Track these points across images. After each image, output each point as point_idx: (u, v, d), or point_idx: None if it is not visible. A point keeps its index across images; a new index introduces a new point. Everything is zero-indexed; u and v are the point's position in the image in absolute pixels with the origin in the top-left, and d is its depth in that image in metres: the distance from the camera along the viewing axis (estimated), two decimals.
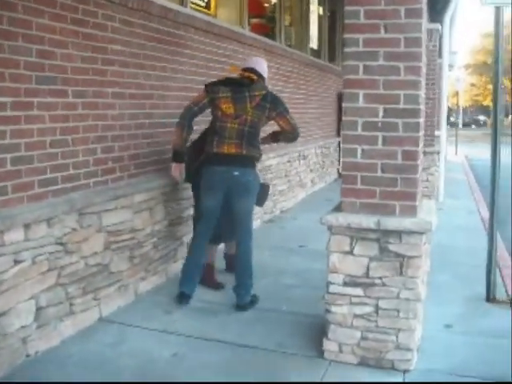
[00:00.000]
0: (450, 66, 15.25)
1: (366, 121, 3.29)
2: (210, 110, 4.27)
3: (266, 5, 8.89)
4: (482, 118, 60.05)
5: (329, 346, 3.41)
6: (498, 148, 4.44)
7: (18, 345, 3.26)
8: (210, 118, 4.31)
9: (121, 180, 4.30)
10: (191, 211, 5.05)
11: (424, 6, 3.21)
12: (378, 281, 3.27)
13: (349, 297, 3.33)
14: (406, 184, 3.25)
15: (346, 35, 3.29)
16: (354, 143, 3.33)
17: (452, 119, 30.41)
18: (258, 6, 8.35)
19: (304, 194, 9.19)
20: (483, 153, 19.02)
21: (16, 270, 3.23)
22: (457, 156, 18.67)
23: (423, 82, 3.28)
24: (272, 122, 4.33)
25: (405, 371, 3.28)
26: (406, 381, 3.21)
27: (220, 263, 4.96)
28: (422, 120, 3.27)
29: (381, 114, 3.26)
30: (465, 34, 65.55)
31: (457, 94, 24.74)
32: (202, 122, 4.55)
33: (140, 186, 4.42)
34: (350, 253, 3.30)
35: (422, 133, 3.30)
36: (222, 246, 5.01)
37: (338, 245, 3.32)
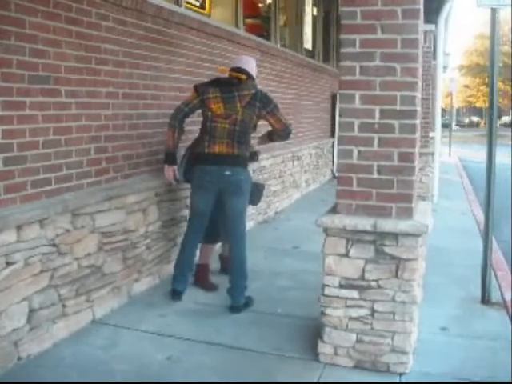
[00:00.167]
0: (444, 68, 15.27)
1: (363, 122, 3.27)
2: (200, 110, 4.29)
3: (261, 5, 8.88)
4: (475, 118, 60.41)
5: (324, 348, 3.39)
6: (493, 151, 4.43)
7: (9, 348, 3.22)
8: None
9: (114, 180, 4.27)
10: (185, 212, 5.02)
11: (421, 6, 3.19)
12: (373, 283, 3.25)
13: (344, 299, 3.30)
14: (402, 186, 3.22)
15: (343, 36, 3.27)
16: (350, 144, 3.30)
17: (446, 121, 30.48)
18: (252, 6, 8.33)
19: (298, 194, 9.17)
20: (476, 154, 19.19)
21: (8, 271, 3.19)
22: (450, 157, 18.70)
23: (420, 83, 3.26)
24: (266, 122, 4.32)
25: (400, 374, 3.26)
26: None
27: (215, 264, 4.94)
28: (418, 121, 3.25)
29: (377, 115, 3.24)
30: (457, 35, 65.79)
31: (450, 95, 24.76)
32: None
33: (134, 187, 4.38)
34: (346, 255, 3.28)
35: (418, 134, 3.28)
36: (218, 246, 4.98)
37: (334, 247, 3.29)
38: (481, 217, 7.54)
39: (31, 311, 3.38)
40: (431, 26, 9.17)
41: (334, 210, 3.39)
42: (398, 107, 3.20)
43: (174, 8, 5.06)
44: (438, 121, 9.40)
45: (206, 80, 4.59)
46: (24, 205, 3.38)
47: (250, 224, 6.53)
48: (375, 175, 3.26)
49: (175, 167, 4.40)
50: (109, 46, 4.12)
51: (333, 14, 11.73)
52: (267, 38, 8.00)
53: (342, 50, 3.28)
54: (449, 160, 17.40)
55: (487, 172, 4.46)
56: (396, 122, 3.21)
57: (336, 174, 3.46)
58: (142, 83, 4.57)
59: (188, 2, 5.59)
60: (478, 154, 18.05)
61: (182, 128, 4.30)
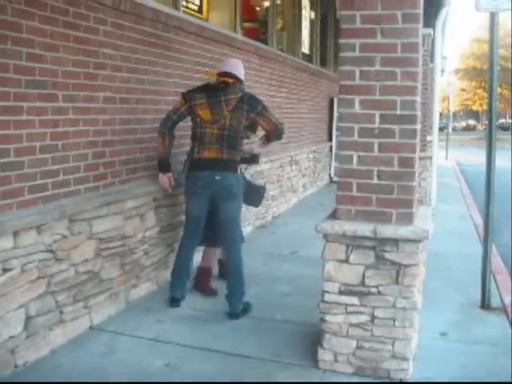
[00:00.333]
0: (442, 71, 15.28)
1: (363, 127, 3.24)
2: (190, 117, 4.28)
3: (258, 9, 8.87)
4: (471, 122, 60.56)
5: (324, 355, 3.36)
6: (492, 154, 4.42)
7: (6, 355, 3.18)
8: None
9: (112, 186, 4.24)
10: (183, 217, 4.98)
11: (421, 11, 3.17)
12: (373, 289, 3.22)
13: (344, 306, 3.27)
14: (402, 191, 3.20)
15: (342, 40, 3.25)
16: (349, 150, 3.28)
17: (442, 124, 30.53)
18: (250, 10, 8.32)
19: (296, 199, 9.14)
20: (474, 157, 19.19)
21: (4, 278, 3.16)
22: (447, 161, 18.71)
23: (420, 88, 3.24)
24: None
25: (401, 380, 3.23)
26: None
27: (215, 269, 4.91)
28: (418, 126, 3.23)
29: (377, 120, 3.22)
30: (454, 39, 65.94)
31: (447, 98, 24.78)
32: None
33: (131, 192, 4.36)
34: (346, 261, 3.25)
35: (418, 139, 3.25)
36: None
37: (334, 253, 3.26)
38: (479, 220, 7.54)
39: (28, 318, 3.34)
40: (429, 30, 9.17)
41: (333, 216, 3.37)
42: (398, 112, 3.18)
43: (172, 12, 5.04)
44: (436, 124, 9.40)
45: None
46: (21, 211, 3.34)
47: (247, 229, 6.51)
48: (375, 180, 3.24)
49: (170, 174, 4.40)
50: (106, 51, 4.09)
51: (330, 17, 11.73)
52: (265, 42, 7.99)
53: (342, 55, 3.25)
54: (446, 164, 17.41)
55: (487, 176, 4.44)
56: (396, 127, 3.19)
57: (334, 179, 3.43)
58: (140, 88, 4.54)
59: (186, 7, 5.58)
60: (475, 158, 18.07)
61: (172, 135, 4.30)
